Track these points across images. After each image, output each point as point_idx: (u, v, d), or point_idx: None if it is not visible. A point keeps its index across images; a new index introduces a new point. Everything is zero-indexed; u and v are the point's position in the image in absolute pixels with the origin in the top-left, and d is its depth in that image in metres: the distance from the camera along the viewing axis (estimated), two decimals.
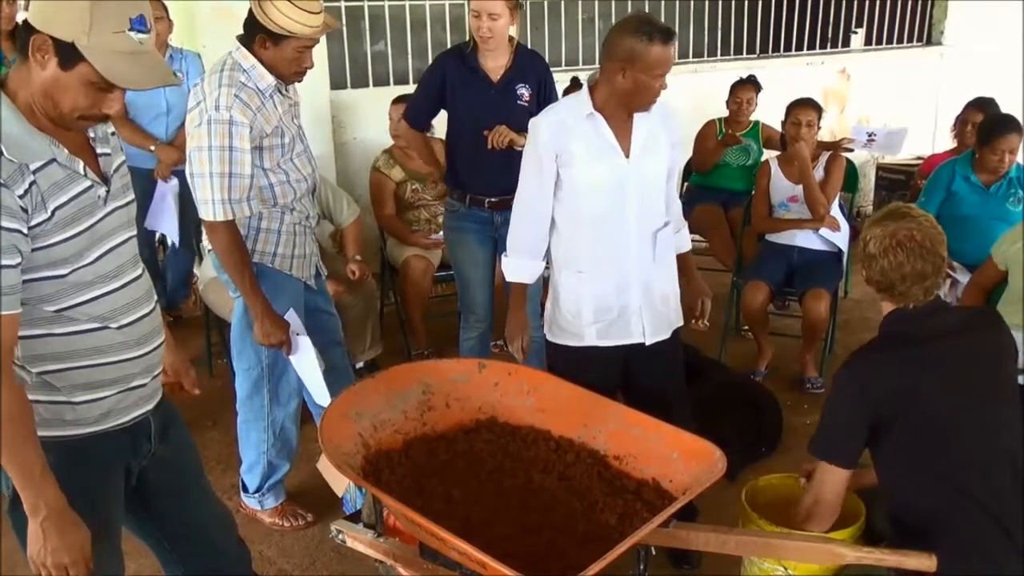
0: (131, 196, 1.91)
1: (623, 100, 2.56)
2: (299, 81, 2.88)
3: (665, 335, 2.80)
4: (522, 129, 3.40)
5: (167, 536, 2.10)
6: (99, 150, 1.82)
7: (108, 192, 1.80)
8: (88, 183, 1.75)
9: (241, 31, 2.77)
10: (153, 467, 1.99)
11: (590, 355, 2.74)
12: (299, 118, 2.96)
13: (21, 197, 1.62)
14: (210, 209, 2.71)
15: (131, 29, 1.64)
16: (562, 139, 2.59)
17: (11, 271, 1.62)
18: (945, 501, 2.10)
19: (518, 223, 2.74)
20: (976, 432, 2.12)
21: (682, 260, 2.89)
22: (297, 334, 2.89)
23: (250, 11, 2.71)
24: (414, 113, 3.67)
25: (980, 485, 2.10)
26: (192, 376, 2.21)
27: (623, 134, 2.62)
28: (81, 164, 1.74)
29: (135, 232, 1.91)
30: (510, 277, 2.78)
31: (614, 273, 2.69)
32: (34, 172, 1.65)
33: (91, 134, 1.81)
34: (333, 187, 4.35)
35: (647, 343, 2.75)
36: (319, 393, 2.97)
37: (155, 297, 1.96)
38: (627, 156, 2.62)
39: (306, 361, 2.93)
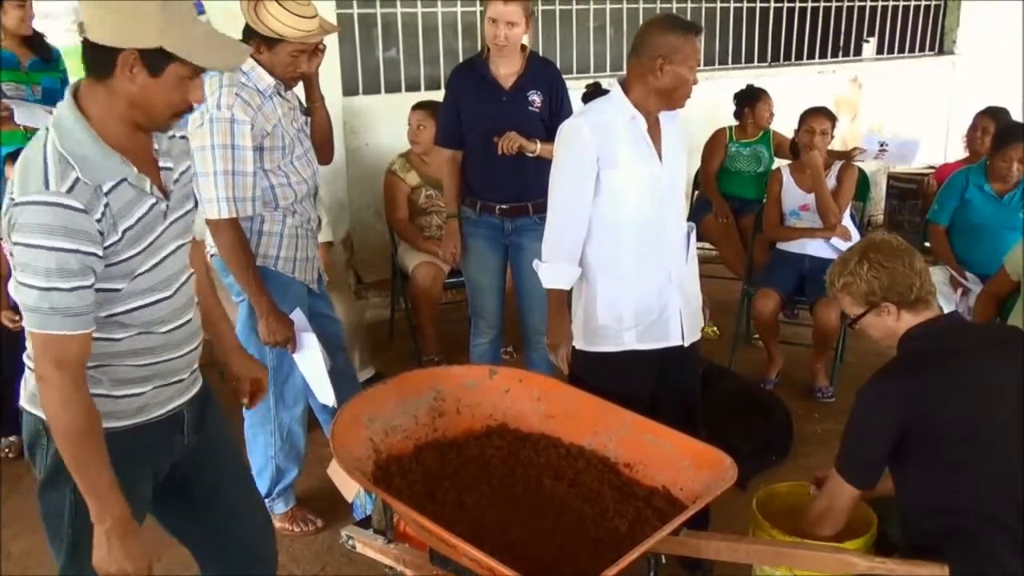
0: (191, 204, 1.92)
1: (662, 97, 2.58)
2: (295, 85, 2.91)
3: (698, 335, 2.83)
4: (533, 135, 3.42)
5: (202, 527, 2.11)
6: (161, 164, 1.82)
7: (168, 206, 1.81)
8: (153, 200, 1.76)
9: None
10: (188, 457, 2.01)
11: (627, 360, 2.72)
12: (299, 121, 2.98)
13: (98, 221, 1.64)
14: (215, 207, 2.73)
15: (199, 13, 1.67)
16: (605, 142, 2.57)
17: (87, 291, 1.65)
18: (961, 516, 2.08)
19: (556, 228, 2.68)
20: (996, 450, 2.10)
21: None
22: (302, 332, 2.89)
23: None
24: (443, 135, 3.68)
25: (998, 501, 2.08)
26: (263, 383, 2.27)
27: (654, 137, 2.64)
28: (148, 183, 1.75)
29: (189, 239, 1.92)
30: (549, 284, 2.71)
31: (656, 274, 2.69)
32: (106, 194, 1.67)
33: (155, 146, 1.81)
34: (320, 201, 4.33)
35: (685, 344, 2.76)
36: (324, 392, 2.96)
37: (196, 301, 1.98)
38: (660, 158, 2.64)
39: (311, 359, 2.93)
